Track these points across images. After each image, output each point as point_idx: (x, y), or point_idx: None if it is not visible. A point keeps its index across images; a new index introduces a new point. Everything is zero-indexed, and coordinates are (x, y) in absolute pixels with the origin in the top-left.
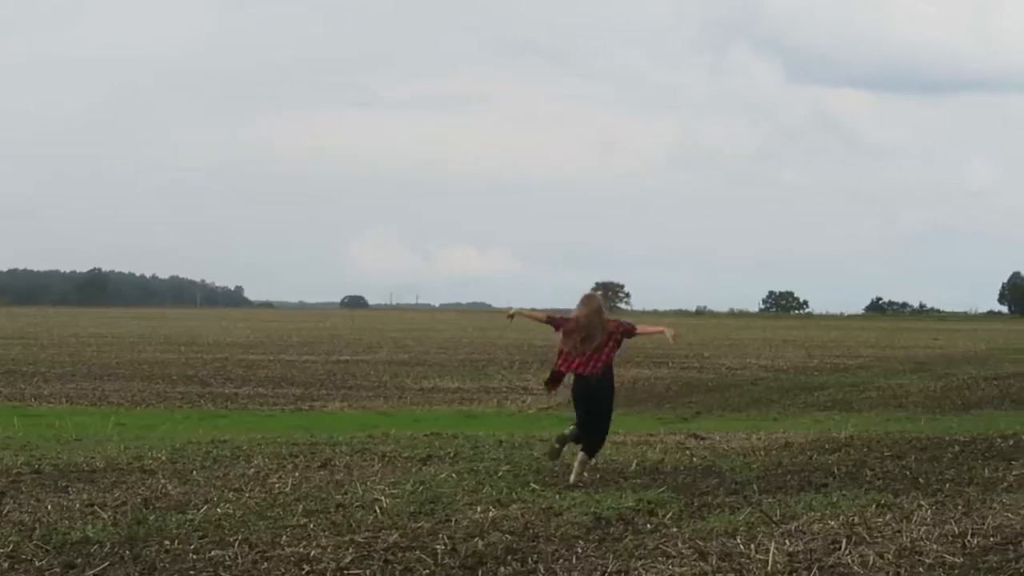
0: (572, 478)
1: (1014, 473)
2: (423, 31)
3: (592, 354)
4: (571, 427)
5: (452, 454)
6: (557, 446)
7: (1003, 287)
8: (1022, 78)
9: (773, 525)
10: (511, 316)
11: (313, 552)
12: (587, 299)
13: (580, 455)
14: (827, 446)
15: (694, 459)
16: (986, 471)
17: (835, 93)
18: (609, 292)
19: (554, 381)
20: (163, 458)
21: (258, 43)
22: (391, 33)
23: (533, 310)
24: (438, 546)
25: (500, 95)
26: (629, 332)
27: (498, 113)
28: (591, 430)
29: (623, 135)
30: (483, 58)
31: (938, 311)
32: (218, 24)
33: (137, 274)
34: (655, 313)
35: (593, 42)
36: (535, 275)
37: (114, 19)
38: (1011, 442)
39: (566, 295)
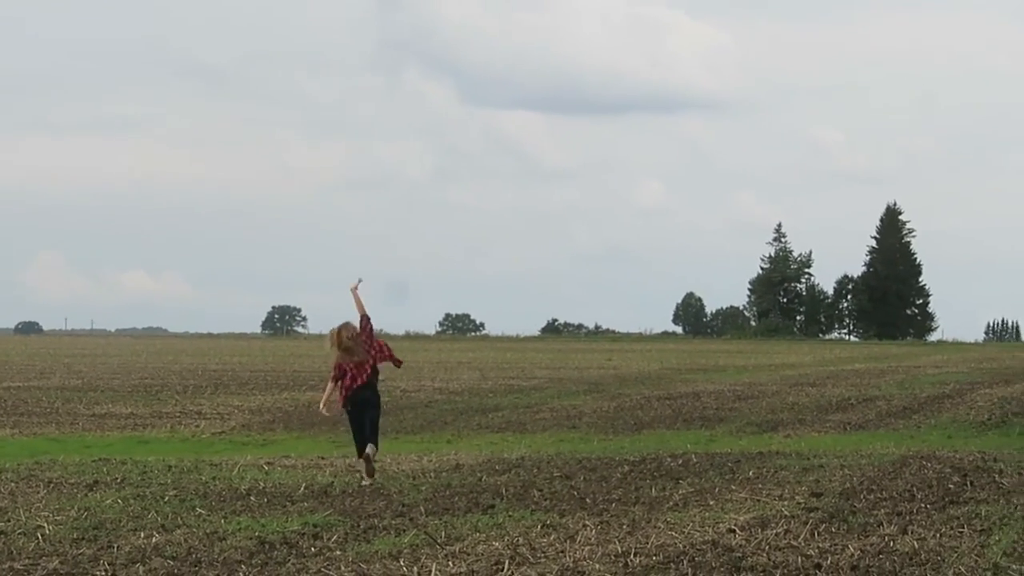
0: (369, 478)
1: (680, 492)
2: (90, 52)
3: (359, 369)
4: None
5: (120, 480)
6: (367, 465)
7: (677, 307)
8: (689, 98)
9: (437, 547)
10: (355, 288)
11: None
12: (345, 325)
13: (370, 448)
14: (497, 467)
15: (363, 482)
16: (653, 490)
17: (508, 115)
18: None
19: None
20: None
21: None
22: (57, 54)
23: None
24: (99, 572)
25: (170, 118)
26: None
27: (168, 136)
28: (372, 427)
29: (295, 158)
30: (152, 80)
31: (613, 332)
32: None
33: None
34: None
35: (264, 64)
36: (209, 300)
37: None
38: (680, 461)
39: (241, 320)
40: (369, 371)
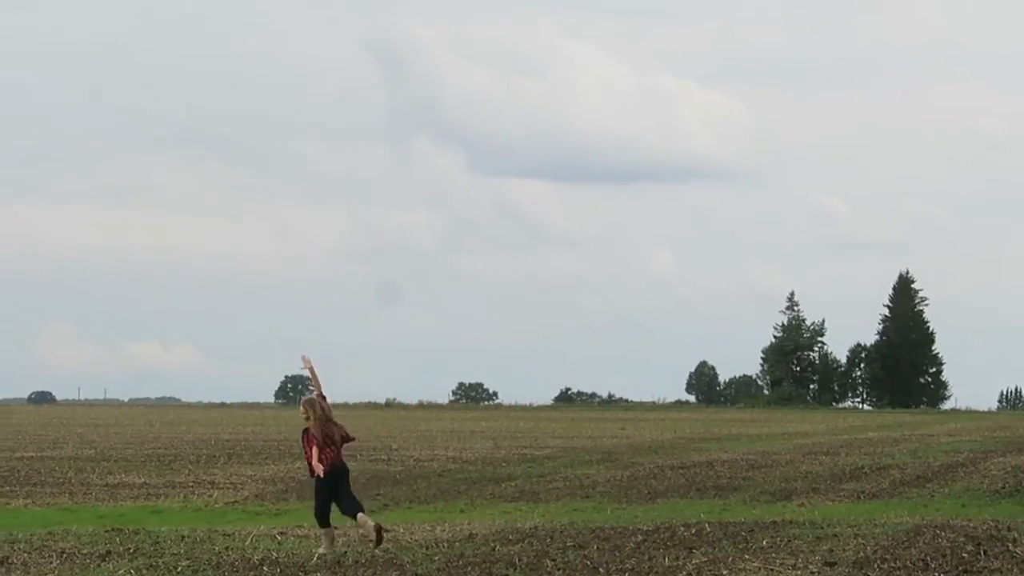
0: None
1: (694, 562)
2: (91, 118)
3: (335, 447)
4: (320, 550)
5: (132, 550)
6: (331, 537)
7: (690, 376)
8: (697, 167)
9: None
10: (307, 363)
11: None
12: (309, 404)
13: (365, 521)
14: (511, 537)
15: (376, 552)
16: (666, 560)
17: (517, 183)
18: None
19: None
20: None
21: None
22: (55, 125)
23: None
24: None
25: (174, 185)
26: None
27: (173, 204)
28: (351, 497)
29: (302, 226)
30: (155, 146)
31: (626, 400)
32: None
33: None
34: (345, 405)
35: (270, 132)
36: (221, 369)
37: None
38: (693, 531)
39: (253, 389)
40: (339, 444)
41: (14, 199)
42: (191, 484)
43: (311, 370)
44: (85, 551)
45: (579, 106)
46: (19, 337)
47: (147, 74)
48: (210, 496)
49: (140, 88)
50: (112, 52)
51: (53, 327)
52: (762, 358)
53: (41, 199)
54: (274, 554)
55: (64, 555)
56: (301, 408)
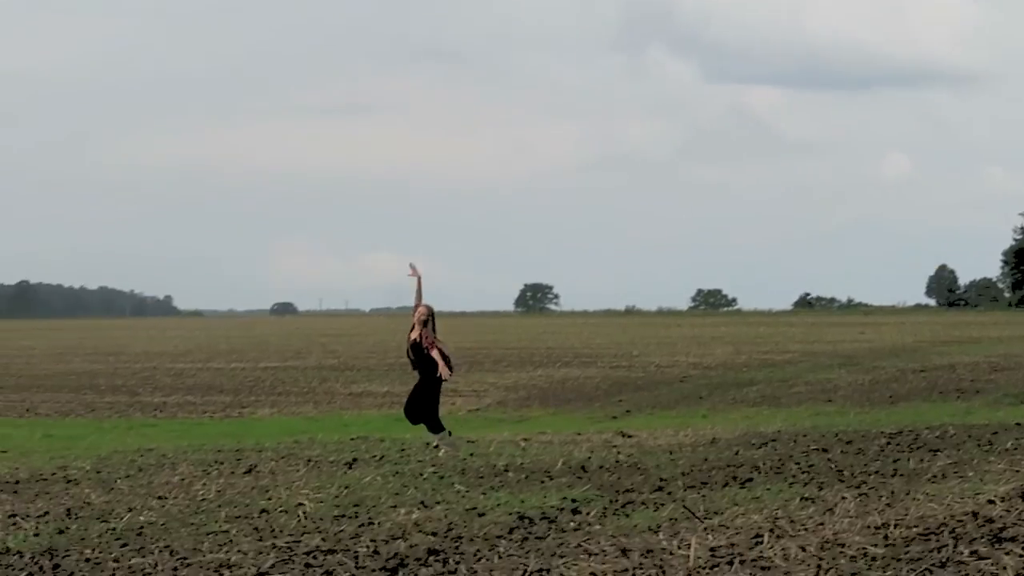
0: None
1: (939, 464)
2: (333, 35)
3: None
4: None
5: (378, 457)
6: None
7: (929, 280)
8: (935, 71)
9: (697, 520)
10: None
11: (234, 557)
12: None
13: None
14: (753, 441)
15: (620, 457)
16: (911, 462)
17: (752, 90)
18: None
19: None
20: (87, 468)
21: (176, 54)
22: (302, 42)
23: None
24: (360, 549)
25: (414, 101)
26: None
27: (413, 119)
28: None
29: (537, 138)
30: (394, 64)
31: (866, 305)
32: (136, 36)
33: (66, 286)
34: (584, 313)
35: (503, 47)
36: (461, 279)
37: (27, 29)
38: (937, 433)
39: (493, 298)
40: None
41: (262, 114)
42: None
43: (419, 281)
44: (331, 459)
45: (815, 11)
46: (260, 251)
47: None
48: (453, 404)
49: (379, 6)
50: None
51: (295, 240)
52: (1002, 261)
53: (283, 114)
54: (518, 460)
55: (311, 463)
56: (424, 309)
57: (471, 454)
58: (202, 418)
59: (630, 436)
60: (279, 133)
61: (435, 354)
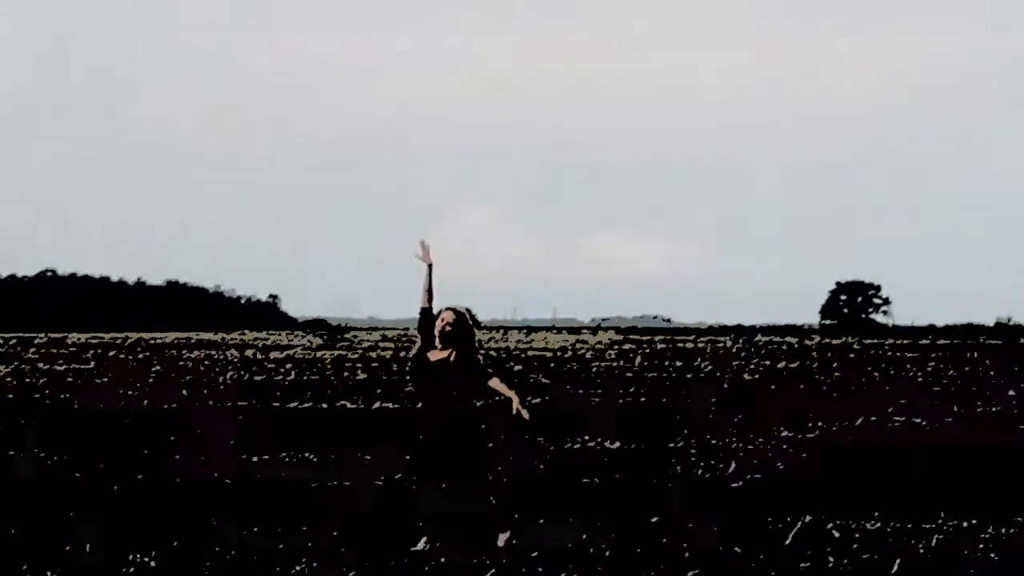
0: None
1: None
2: None
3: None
4: None
5: None
6: None
7: None
8: None
9: None
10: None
11: None
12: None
13: None
14: None
15: None
16: None
17: None
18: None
19: None
20: None
21: None
22: None
23: None
24: None
25: None
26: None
27: None
28: None
29: None
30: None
31: None
32: None
33: None
34: (929, 329)
35: None
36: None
37: None
38: None
39: (782, 300)
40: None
41: None
42: None
43: (429, 269)
44: None
45: None
46: None
47: None
48: None
49: None
50: None
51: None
52: None
53: None
54: None
55: None
56: (450, 316)
57: None
58: None
59: None
60: None
61: (501, 387)
